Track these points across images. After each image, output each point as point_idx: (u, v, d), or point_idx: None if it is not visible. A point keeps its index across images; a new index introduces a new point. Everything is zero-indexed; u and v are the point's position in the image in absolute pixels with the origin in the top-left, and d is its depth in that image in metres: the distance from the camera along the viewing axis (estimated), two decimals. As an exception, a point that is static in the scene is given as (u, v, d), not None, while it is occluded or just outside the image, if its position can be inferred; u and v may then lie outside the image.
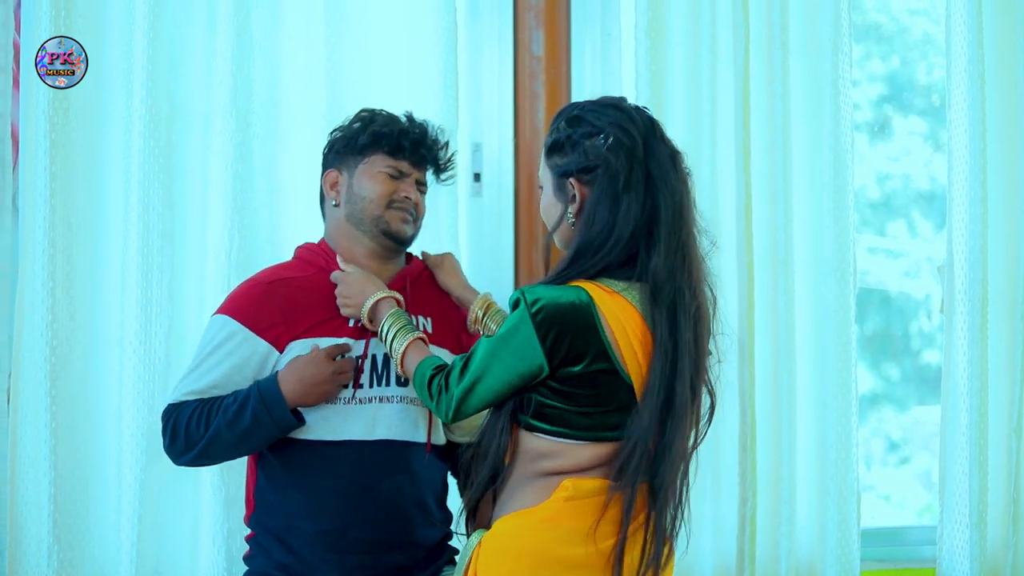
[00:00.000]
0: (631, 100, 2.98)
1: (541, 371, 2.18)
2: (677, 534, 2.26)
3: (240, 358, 2.48)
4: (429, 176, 2.66)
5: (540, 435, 2.22)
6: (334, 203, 2.60)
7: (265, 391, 2.43)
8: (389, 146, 2.56)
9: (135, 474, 2.82)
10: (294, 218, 2.92)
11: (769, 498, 3.04)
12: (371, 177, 2.56)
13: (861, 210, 3.17)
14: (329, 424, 2.48)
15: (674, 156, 2.25)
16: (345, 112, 2.70)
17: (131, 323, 2.84)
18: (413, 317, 2.52)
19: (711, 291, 2.27)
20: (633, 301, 2.19)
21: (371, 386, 2.50)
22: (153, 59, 2.84)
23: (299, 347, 2.49)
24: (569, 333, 2.16)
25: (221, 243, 2.87)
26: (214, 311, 2.57)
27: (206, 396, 2.48)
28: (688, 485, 2.26)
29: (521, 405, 2.24)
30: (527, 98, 3.12)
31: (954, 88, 3.17)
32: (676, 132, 3.01)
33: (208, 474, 2.84)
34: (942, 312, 3.22)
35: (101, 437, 2.87)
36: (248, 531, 2.59)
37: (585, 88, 3.15)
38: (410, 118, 2.62)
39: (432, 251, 2.73)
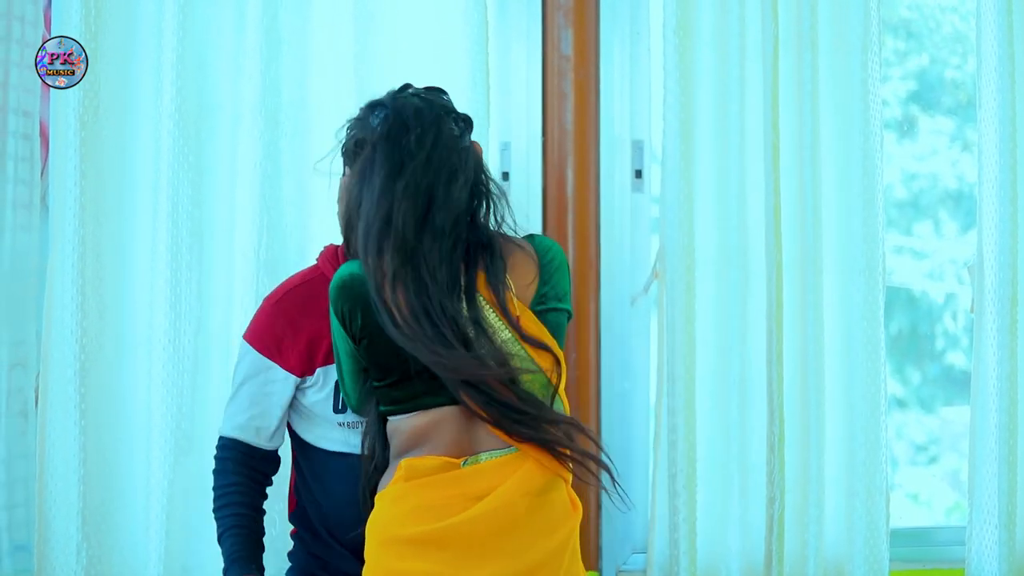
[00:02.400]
0: (659, 99, 2.96)
1: (352, 344, 2.26)
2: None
3: (268, 392, 2.48)
4: None
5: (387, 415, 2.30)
6: None
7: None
8: None
9: (164, 472, 2.84)
10: (322, 217, 2.91)
11: (797, 498, 3.03)
12: None
13: (887, 209, 3.16)
14: (331, 440, 2.51)
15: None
16: (374, 111, 2.70)
17: (160, 321, 2.86)
18: None
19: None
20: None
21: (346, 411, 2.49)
22: (182, 58, 2.85)
23: (323, 372, 2.48)
24: (348, 304, 2.23)
25: (250, 242, 2.88)
26: (243, 332, 2.55)
27: (248, 432, 2.48)
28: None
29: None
30: (555, 97, 3.10)
31: (984, 86, 3.14)
32: (705, 130, 3.02)
33: (236, 472, 2.85)
34: (972, 312, 3.20)
35: (130, 435, 2.88)
36: (291, 527, 2.62)
37: (614, 87, 3.14)
38: None
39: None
